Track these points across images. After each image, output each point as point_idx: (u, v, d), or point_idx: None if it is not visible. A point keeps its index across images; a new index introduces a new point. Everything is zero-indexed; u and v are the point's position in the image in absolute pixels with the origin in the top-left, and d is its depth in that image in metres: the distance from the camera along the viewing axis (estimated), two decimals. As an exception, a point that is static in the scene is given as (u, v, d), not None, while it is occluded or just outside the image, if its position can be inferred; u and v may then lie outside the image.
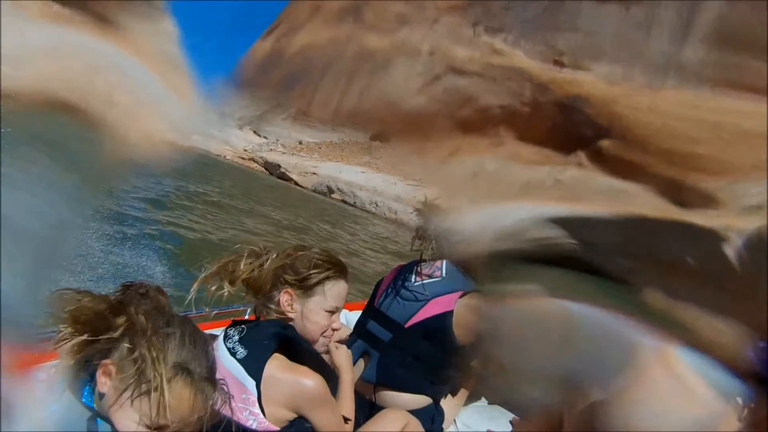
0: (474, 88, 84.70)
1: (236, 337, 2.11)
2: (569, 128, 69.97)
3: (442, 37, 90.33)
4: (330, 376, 2.23)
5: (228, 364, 2.02)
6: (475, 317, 2.84)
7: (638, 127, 64.00)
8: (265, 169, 77.79)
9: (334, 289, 2.30)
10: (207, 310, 2.55)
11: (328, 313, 2.28)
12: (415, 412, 2.78)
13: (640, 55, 73.99)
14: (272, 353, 2.06)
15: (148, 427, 1.45)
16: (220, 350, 2.07)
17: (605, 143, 64.69)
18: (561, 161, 60.61)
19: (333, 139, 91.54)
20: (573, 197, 47.28)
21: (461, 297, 2.88)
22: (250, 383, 1.99)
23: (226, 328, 2.19)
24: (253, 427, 1.97)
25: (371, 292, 3.21)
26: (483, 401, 3.63)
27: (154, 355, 1.46)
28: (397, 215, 51.40)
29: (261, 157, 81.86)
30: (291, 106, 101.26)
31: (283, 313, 2.26)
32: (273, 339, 2.10)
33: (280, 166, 73.91)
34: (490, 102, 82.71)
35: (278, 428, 2.01)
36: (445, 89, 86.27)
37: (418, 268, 2.99)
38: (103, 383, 1.49)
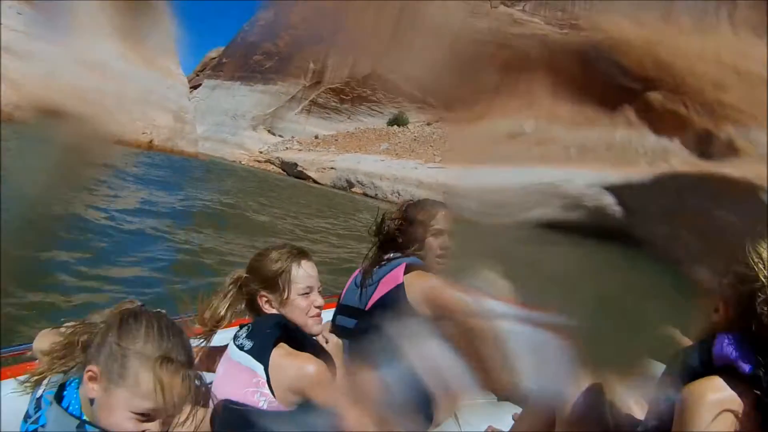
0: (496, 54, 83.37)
1: (243, 335, 2.34)
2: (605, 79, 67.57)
3: (457, 10, 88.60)
4: (327, 359, 2.39)
5: (237, 358, 2.27)
6: (421, 291, 2.93)
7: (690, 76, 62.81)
8: (282, 170, 76.10)
9: (297, 274, 2.47)
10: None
11: (304, 296, 2.46)
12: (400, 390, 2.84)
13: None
14: (275, 341, 2.26)
15: (143, 416, 1.55)
16: (230, 348, 2.34)
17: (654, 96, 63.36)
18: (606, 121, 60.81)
19: (349, 129, 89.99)
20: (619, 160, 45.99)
21: (407, 270, 2.98)
22: (259, 368, 2.20)
23: (237, 330, 2.41)
24: (264, 407, 2.16)
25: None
26: (488, 397, 3.58)
27: (131, 345, 1.58)
28: (420, 202, 46.84)
29: (277, 158, 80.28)
30: (306, 69, 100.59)
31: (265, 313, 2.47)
32: (274, 328, 2.32)
33: (297, 165, 71.85)
34: (513, 64, 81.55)
35: (287, 409, 2.18)
36: (466, 59, 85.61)
37: (374, 257, 3.13)
38: (92, 389, 1.59)
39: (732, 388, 1.61)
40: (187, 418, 1.72)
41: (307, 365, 2.23)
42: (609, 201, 38.35)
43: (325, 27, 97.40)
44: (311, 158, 71.93)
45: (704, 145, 55.56)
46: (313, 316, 2.48)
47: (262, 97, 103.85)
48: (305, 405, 2.21)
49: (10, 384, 2.10)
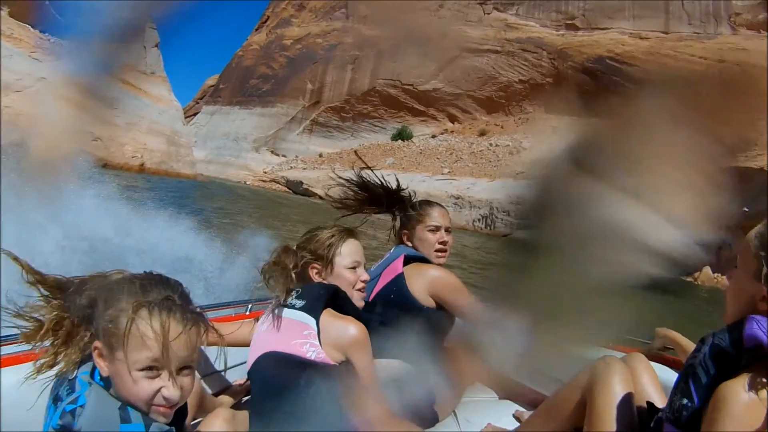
0: (492, 65, 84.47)
1: (294, 296, 2.47)
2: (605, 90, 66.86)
3: (452, 21, 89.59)
4: (369, 328, 2.51)
5: (288, 314, 2.41)
6: (422, 280, 3.05)
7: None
8: (288, 188, 76.02)
9: (346, 248, 2.66)
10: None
11: (351, 269, 2.65)
12: (402, 381, 2.89)
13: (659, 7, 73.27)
14: (325, 301, 2.43)
15: (149, 370, 1.52)
16: (279, 310, 2.45)
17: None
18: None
19: (353, 146, 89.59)
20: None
21: (406, 261, 3.12)
22: (311, 321, 2.35)
23: (286, 294, 2.49)
24: (312, 358, 2.30)
25: None
26: (489, 395, 3.61)
27: (116, 304, 1.55)
28: (429, 215, 46.78)
29: (282, 177, 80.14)
30: (304, 88, 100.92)
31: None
32: (325, 290, 2.49)
33: (302, 183, 71.77)
34: (510, 78, 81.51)
35: (333, 362, 2.32)
36: (463, 70, 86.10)
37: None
38: (102, 366, 1.57)
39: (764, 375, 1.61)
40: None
41: (350, 326, 2.40)
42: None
43: (319, 45, 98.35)
44: (316, 176, 71.77)
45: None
46: (358, 290, 2.68)
47: (261, 119, 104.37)
48: (345, 364, 2.36)
49: (10, 372, 2.06)
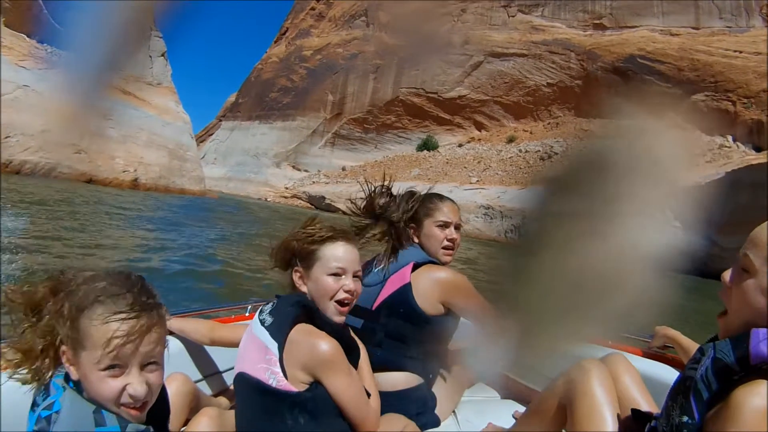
0: (518, 69, 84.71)
1: (268, 310, 2.32)
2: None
3: (475, 25, 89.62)
4: (350, 346, 2.35)
5: (257, 332, 2.25)
6: (432, 286, 2.95)
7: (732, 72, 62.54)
8: (310, 203, 75.85)
9: (330, 251, 2.38)
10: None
11: (333, 277, 2.35)
12: (405, 393, 2.93)
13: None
14: (294, 318, 2.22)
15: (112, 368, 1.51)
16: (253, 323, 2.32)
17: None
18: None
19: (377, 158, 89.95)
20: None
21: (414, 269, 3.00)
22: (273, 345, 2.17)
23: (263, 306, 2.42)
24: (273, 385, 2.14)
25: None
26: (489, 395, 3.67)
27: (75, 304, 1.53)
28: (458, 226, 45.61)
29: (304, 192, 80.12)
30: (326, 100, 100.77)
31: (298, 289, 2.44)
32: (294, 306, 2.27)
33: (324, 198, 71.65)
34: (538, 81, 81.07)
35: (297, 390, 2.15)
36: (488, 76, 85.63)
37: (380, 256, 3.10)
38: (72, 370, 1.56)
39: None
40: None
41: (318, 342, 2.17)
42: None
43: (340, 55, 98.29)
44: (339, 190, 71.27)
45: (757, 136, 55.06)
46: (337, 301, 2.35)
47: (281, 133, 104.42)
48: (314, 387, 2.17)
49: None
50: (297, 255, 2.43)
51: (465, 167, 67.71)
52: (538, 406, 2.55)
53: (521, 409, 3.24)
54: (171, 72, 59.72)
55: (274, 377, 2.15)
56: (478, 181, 58.87)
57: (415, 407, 2.96)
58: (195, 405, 2.57)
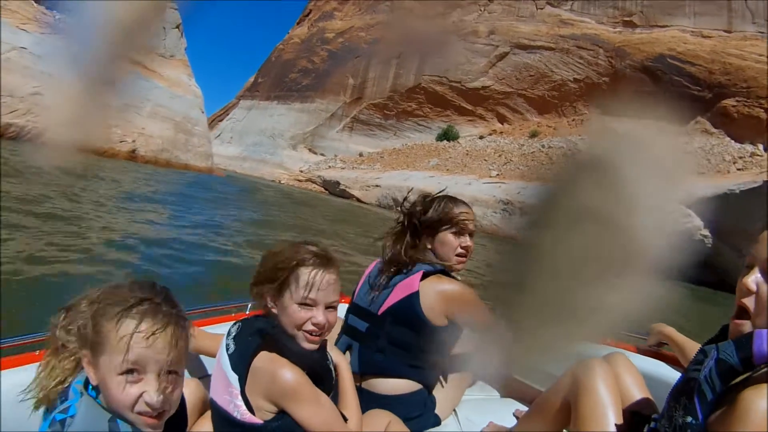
0: (545, 63, 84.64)
1: (233, 334, 2.27)
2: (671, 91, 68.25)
3: (502, 15, 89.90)
4: (319, 372, 2.28)
5: (222, 360, 2.21)
6: (438, 299, 2.93)
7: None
8: (324, 188, 74.91)
9: (304, 279, 2.23)
10: None
11: (301, 306, 2.23)
12: (404, 398, 2.97)
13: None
14: (256, 348, 2.16)
15: (131, 374, 1.54)
16: (222, 347, 2.26)
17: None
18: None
19: (396, 145, 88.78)
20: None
21: (423, 278, 2.97)
22: (234, 378, 2.13)
23: (231, 326, 2.34)
24: (238, 418, 2.12)
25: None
26: (490, 394, 3.71)
27: (100, 311, 1.58)
28: (475, 221, 44.73)
29: (319, 176, 79.00)
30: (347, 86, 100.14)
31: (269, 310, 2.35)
32: (256, 334, 2.21)
33: (339, 183, 70.29)
34: (564, 76, 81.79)
35: (262, 421, 2.12)
36: (514, 68, 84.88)
37: (386, 255, 3.14)
38: (91, 375, 1.59)
39: None
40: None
41: (280, 371, 2.11)
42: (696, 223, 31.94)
43: (363, 39, 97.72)
44: (354, 176, 70.48)
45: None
46: (306, 331, 2.23)
47: (299, 115, 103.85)
48: (280, 416, 2.14)
49: (10, 374, 2.08)
50: (268, 275, 2.27)
51: (485, 160, 66.61)
52: (541, 404, 2.60)
53: (522, 407, 3.34)
54: (186, 45, 59.04)
55: (237, 410, 2.11)
56: (498, 175, 57.63)
57: (414, 410, 2.98)
58: (205, 410, 2.46)
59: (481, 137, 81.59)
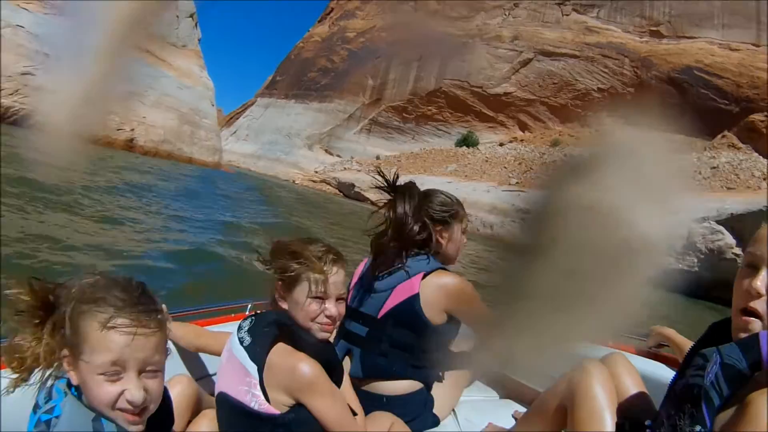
0: (569, 70, 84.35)
1: (246, 328, 2.28)
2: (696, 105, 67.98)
3: (527, 20, 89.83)
4: (333, 365, 2.35)
5: (236, 352, 2.22)
6: (440, 295, 2.93)
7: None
8: (339, 190, 74.08)
9: (314, 274, 2.31)
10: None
11: (315, 299, 2.30)
12: (406, 398, 2.98)
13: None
14: (273, 339, 2.20)
15: (112, 374, 1.53)
16: (233, 340, 2.28)
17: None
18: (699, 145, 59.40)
19: (414, 149, 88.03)
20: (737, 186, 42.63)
21: (424, 278, 2.96)
22: (252, 368, 2.15)
23: (241, 321, 2.36)
24: (255, 408, 2.13)
25: None
26: (489, 395, 3.71)
27: (77, 309, 1.56)
28: (493, 229, 43.78)
29: (334, 178, 78.22)
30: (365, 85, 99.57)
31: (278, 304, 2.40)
32: (272, 326, 2.24)
33: (354, 186, 69.66)
34: (589, 85, 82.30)
35: (278, 412, 2.15)
36: (537, 74, 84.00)
37: (381, 259, 3.08)
38: (72, 375, 1.58)
39: None
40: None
41: (298, 364, 2.16)
42: (728, 241, 29.40)
43: (384, 40, 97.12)
44: (370, 179, 69.50)
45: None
46: (320, 323, 2.30)
47: (317, 115, 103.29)
48: (297, 409, 2.17)
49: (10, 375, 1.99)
50: (278, 271, 2.32)
51: (505, 167, 65.66)
52: (539, 406, 2.61)
53: (521, 408, 3.33)
54: (200, 36, 58.01)
55: (255, 400, 2.13)
56: (518, 183, 56.64)
57: (414, 410, 2.98)
58: (198, 407, 2.51)
59: (501, 144, 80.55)
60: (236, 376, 2.19)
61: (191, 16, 55.32)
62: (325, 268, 2.31)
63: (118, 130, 42.70)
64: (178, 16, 52.77)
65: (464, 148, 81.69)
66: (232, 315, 3.29)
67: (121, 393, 1.51)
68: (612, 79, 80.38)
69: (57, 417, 1.56)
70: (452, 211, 3.13)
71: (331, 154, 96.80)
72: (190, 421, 2.48)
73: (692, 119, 67.56)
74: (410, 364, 3.00)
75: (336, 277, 2.34)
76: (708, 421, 1.62)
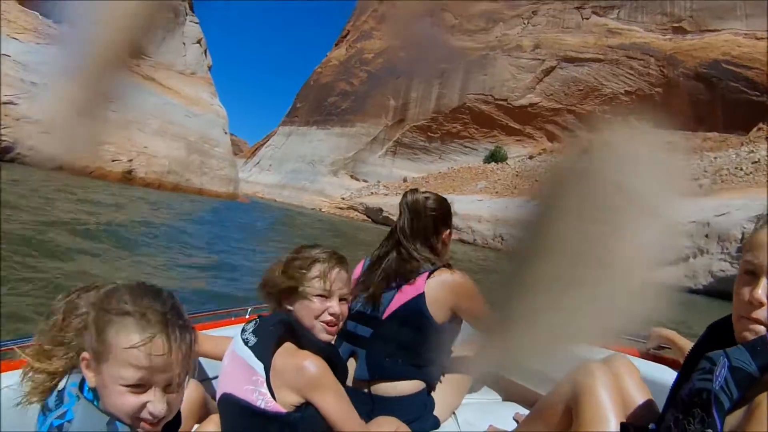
0: (594, 75, 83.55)
1: (251, 329, 2.33)
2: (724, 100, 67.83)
3: (547, 28, 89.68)
4: (336, 364, 2.37)
5: (241, 353, 2.26)
6: (445, 292, 2.98)
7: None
8: (367, 216, 73.28)
9: (317, 274, 2.40)
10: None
11: (319, 298, 2.37)
12: (409, 399, 2.99)
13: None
14: (279, 339, 2.24)
15: (135, 387, 1.53)
16: (236, 342, 2.33)
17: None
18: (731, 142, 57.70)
19: (441, 169, 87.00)
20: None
21: (429, 277, 3.00)
22: (259, 366, 2.18)
23: (244, 324, 2.42)
24: (262, 407, 2.15)
25: None
26: (490, 397, 3.73)
27: (104, 316, 1.55)
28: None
29: (361, 204, 77.46)
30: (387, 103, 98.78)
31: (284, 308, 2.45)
32: (277, 325, 2.29)
33: (382, 210, 68.62)
34: (615, 89, 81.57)
35: (285, 411, 2.16)
36: (562, 82, 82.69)
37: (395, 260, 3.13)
38: (90, 377, 1.57)
39: None
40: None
41: (303, 362, 2.19)
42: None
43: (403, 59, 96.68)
44: (398, 202, 68.57)
45: None
46: (324, 322, 2.37)
47: (339, 140, 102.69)
48: (304, 407, 2.19)
49: (10, 376, 2.13)
50: (285, 274, 2.38)
51: (536, 181, 64.20)
52: (541, 408, 2.60)
53: (522, 410, 3.34)
54: (211, 64, 57.03)
55: (262, 398, 2.14)
56: (553, 196, 55.39)
57: (415, 411, 2.98)
58: (204, 411, 2.56)
59: (530, 157, 78.48)
60: (241, 376, 2.20)
61: (199, 42, 54.48)
62: (327, 268, 2.37)
63: (114, 161, 40.45)
64: (184, 43, 52.00)
65: (493, 164, 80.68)
66: (233, 318, 3.29)
67: (144, 405, 1.49)
68: (639, 80, 79.24)
69: (69, 421, 1.52)
70: (448, 211, 3.16)
71: (356, 179, 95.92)
72: (199, 419, 2.50)
73: (724, 114, 66.15)
74: (414, 364, 2.99)
75: (339, 276, 2.39)
76: (719, 425, 1.57)
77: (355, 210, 77.48)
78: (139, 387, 1.48)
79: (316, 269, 2.37)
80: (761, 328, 1.68)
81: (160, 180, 44.44)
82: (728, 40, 71.88)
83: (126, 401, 1.48)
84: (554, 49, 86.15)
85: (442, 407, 3.17)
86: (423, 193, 3.20)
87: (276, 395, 2.15)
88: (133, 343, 1.45)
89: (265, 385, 2.15)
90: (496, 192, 62.86)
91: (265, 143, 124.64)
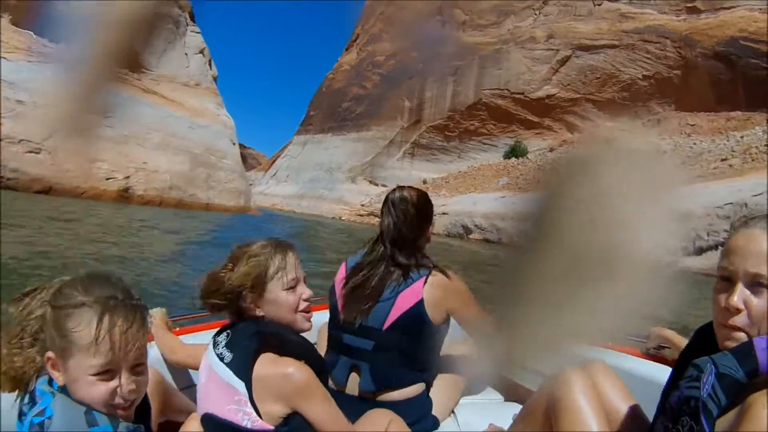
0: (610, 62, 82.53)
1: (223, 343, 2.26)
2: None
3: (559, 17, 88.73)
4: (318, 365, 2.33)
5: (217, 370, 2.19)
6: (442, 294, 2.97)
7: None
8: (388, 221, 70.87)
9: (280, 267, 2.33)
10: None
11: (290, 291, 2.33)
12: (412, 401, 2.97)
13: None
14: (256, 351, 2.18)
15: (103, 374, 1.58)
16: (211, 358, 2.25)
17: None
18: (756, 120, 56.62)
19: (461, 168, 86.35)
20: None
21: (425, 281, 2.98)
22: (240, 385, 2.13)
23: (214, 336, 2.35)
24: (248, 426, 2.11)
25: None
26: (489, 397, 3.74)
27: (62, 310, 1.59)
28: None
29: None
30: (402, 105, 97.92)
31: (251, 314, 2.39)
32: (253, 338, 2.22)
33: (403, 214, 66.67)
34: (633, 74, 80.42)
35: (273, 427, 2.14)
36: (578, 71, 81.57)
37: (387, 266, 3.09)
38: (57, 376, 1.62)
39: None
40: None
41: (287, 369, 2.14)
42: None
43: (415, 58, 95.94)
44: (418, 205, 67.96)
45: None
46: (302, 311, 2.35)
47: (356, 145, 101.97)
48: (291, 418, 2.15)
49: None
50: (243, 278, 2.26)
51: (541, 173, 63.44)
52: (523, 416, 2.61)
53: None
54: (216, 75, 56.42)
55: (247, 418, 2.10)
56: (578, 187, 54.26)
57: (416, 413, 2.96)
58: (167, 397, 2.58)
59: (551, 150, 77.20)
60: (222, 395, 2.14)
61: (201, 52, 53.75)
62: (285, 258, 2.31)
63: (108, 179, 38.90)
64: (186, 54, 51.25)
65: (513, 159, 79.98)
66: (214, 322, 3.18)
67: (114, 390, 1.56)
68: (656, 63, 77.87)
69: (49, 417, 1.55)
70: (430, 207, 3.13)
71: (375, 184, 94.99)
72: (161, 407, 2.50)
73: (746, 92, 64.83)
74: (415, 369, 2.99)
75: (296, 260, 2.35)
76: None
77: (376, 216, 75.78)
78: (108, 373, 1.54)
79: (275, 263, 2.29)
80: (741, 335, 1.67)
81: (161, 197, 43.24)
82: (744, 16, 70.67)
83: (97, 390, 1.54)
84: (568, 38, 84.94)
85: (439, 406, 3.11)
86: (403, 191, 3.09)
87: (260, 410, 2.09)
88: (94, 330, 1.51)
89: (249, 404, 2.09)
90: (519, 188, 60.20)
91: (281, 154, 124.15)
